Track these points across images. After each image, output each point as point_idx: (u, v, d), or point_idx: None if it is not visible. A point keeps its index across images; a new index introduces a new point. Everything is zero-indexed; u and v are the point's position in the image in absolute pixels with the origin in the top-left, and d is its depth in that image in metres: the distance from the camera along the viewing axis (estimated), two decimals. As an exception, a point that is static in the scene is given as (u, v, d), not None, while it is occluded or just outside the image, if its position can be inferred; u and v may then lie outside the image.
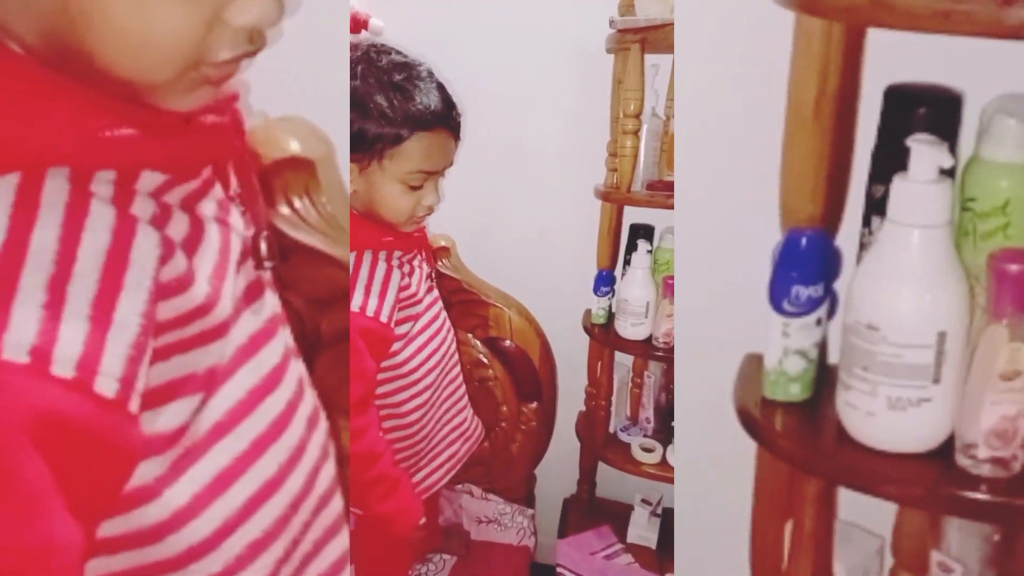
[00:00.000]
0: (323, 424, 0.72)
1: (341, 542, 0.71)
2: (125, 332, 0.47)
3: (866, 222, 0.80)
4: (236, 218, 0.63)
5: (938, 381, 0.73)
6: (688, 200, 1.07)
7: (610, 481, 1.78)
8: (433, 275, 1.18)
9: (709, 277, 1.07)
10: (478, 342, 1.66)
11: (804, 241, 0.77)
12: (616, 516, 1.74)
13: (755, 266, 0.82)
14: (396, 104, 0.99)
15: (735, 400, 0.83)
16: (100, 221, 0.47)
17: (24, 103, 0.46)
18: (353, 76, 1.01)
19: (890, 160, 0.74)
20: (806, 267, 0.77)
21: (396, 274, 1.09)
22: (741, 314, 0.84)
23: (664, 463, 1.58)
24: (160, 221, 0.52)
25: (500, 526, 1.69)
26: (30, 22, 0.46)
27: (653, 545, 1.67)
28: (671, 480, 1.57)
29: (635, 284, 1.52)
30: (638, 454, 1.59)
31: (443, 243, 1.59)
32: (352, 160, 1.02)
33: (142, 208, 0.51)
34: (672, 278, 1.50)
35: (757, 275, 0.81)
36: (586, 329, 1.62)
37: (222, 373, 0.57)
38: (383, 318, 1.06)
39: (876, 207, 0.77)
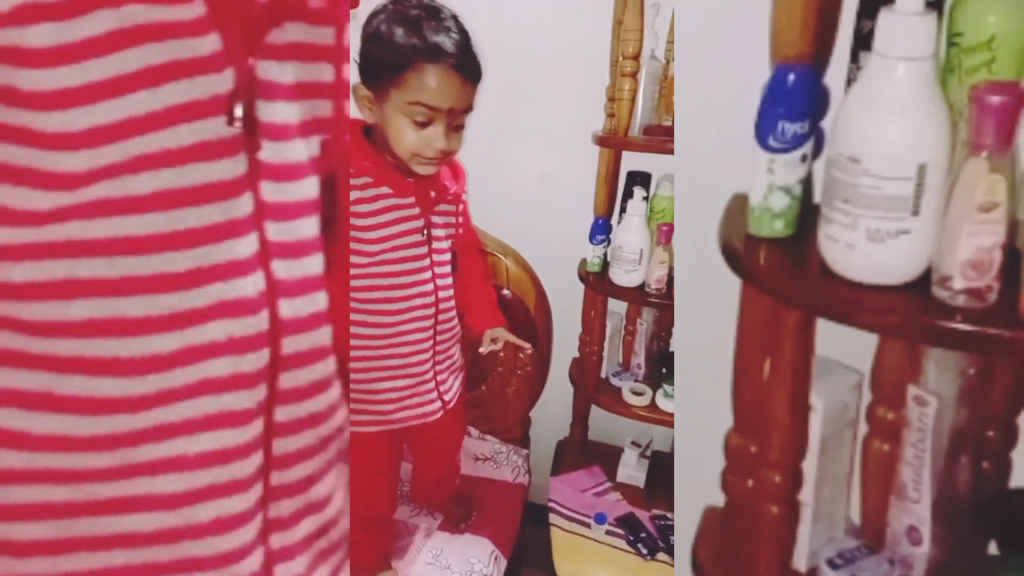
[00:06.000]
0: None
1: None
2: None
3: (854, 57, 0.81)
4: None
5: (917, 213, 0.73)
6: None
7: (602, 425, 1.79)
8: (431, 231, 1.17)
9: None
10: (476, 289, 1.67)
11: (792, 77, 0.78)
12: (607, 457, 1.75)
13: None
14: (403, 34, 1.00)
15: (720, 236, 0.83)
16: None
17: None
18: (380, 14, 1.04)
19: (878, -5, 0.75)
20: (793, 103, 0.78)
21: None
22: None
23: (653, 406, 1.58)
24: None
25: (496, 464, 1.72)
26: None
27: (641, 484, 1.68)
28: (660, 423, 1.58)
29: (630, 231, 1.52)
30: (628, 397, 1.59)
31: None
32: (370, 90, 1.06)
33: None
34: (666, 225, 1.51)
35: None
36: (581, 277, 1.62)
37: None
38: None
39: (864, 42, 0.78)
